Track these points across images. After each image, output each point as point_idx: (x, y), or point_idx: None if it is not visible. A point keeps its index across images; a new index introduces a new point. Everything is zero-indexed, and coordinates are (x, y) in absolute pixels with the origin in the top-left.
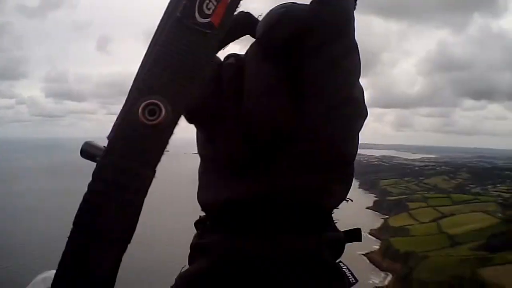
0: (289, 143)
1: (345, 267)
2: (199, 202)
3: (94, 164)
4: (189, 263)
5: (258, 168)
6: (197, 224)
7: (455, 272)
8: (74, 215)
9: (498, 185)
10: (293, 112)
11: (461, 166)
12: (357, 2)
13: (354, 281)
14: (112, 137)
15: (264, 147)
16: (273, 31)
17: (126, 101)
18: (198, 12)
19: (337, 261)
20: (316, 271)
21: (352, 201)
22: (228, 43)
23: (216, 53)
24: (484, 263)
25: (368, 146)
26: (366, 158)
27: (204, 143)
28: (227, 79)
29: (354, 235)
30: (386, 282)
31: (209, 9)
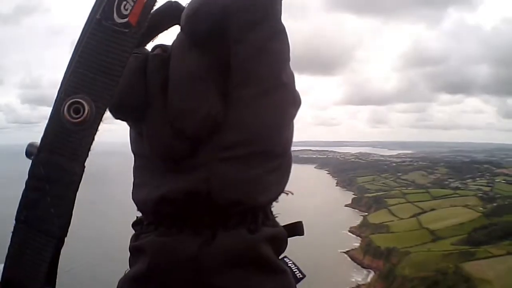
0: (218, 134)
1: (290, 262)
2: (134, 201)
3: None
4: (130, 266)
5: (190, 163)
6: (134, 225)
7: (438, 267)
8: None
9: (478, 179)
10: (221, 102)
11: (439, 161)
12: None
13: (301, 276)
14: (42, 136)
15: (195, 140)
16: (194, 20)
17: (54, 101)
18: (116, 13)
19: (281, 256)
20: (253, 267)
21: (292, 194)
22: (156, 35)
23: (136, 48)
24: (468, 258)
25: (344, 144)
26: (342, 156)
27: (135, 139)
28: (152, 70)
29: (296, 229)
30: (368, 280)
31: (126, 9)
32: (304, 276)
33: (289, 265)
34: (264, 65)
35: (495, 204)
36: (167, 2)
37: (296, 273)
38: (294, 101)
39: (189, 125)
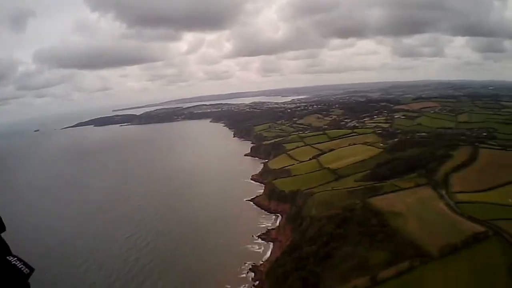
0: None
1: (14, 259)
2: None
3: None
4: None
5: None
6: None
7: (345, 204)
8: None
9: (375, 117)
10: None
11: (334, 103)
12: None
13: (28, 271)
14: None
15: None
16: None
17: None
18: None
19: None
20: None
21: None
22: None
23: None
24: (374, 193)
25: (237, 95)
26: (236, 107)
27: None
28: None
29: None
30: (277, 223)
31: None
32: (32, 270)
33: (13, 263)
34: None
35: (396, 140)
36: None
37: (22, 269)
38: None
39: None
